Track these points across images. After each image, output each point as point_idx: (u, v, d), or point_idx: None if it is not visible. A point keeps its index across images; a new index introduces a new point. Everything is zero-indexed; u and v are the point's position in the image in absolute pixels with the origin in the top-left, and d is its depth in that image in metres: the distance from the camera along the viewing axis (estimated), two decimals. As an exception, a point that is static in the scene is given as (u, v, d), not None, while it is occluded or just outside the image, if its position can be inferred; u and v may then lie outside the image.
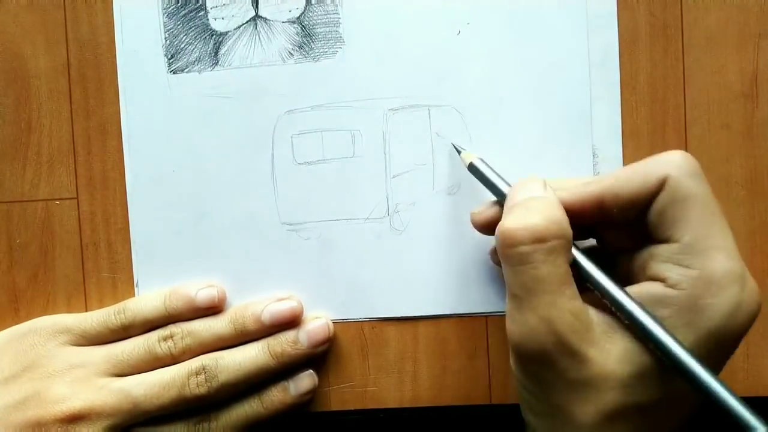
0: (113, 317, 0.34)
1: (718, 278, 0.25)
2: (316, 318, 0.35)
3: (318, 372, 0.36)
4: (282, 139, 0.35)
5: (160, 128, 0.36)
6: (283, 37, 0.35)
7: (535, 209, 0.27)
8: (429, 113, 0.35)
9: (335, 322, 0.36)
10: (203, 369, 0.33)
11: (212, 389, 0.33)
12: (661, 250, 0.26)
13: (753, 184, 0.36)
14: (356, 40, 0.35)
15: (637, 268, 0.28)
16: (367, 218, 0.36)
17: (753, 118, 0.35)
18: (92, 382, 0.33)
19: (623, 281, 0.27)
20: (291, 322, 0.35)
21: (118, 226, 0.37)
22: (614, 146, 0.35)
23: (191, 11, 0.35)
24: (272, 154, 0.36)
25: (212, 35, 0.35)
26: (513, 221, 0.26)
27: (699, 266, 0.25)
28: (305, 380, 0.35)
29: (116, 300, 0.36)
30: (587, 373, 0.25)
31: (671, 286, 0.25)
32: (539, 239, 0.26)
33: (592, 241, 0.32)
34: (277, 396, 0.35)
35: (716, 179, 0.36)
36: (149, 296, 0.35)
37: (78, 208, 0.37)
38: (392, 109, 0.35)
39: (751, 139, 0.36)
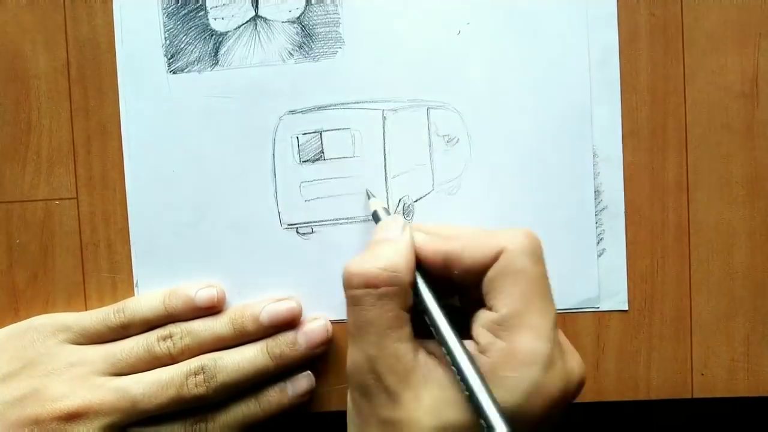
0: (113, 316, 0.34)
1: (521, 355, 0.26)
2: (315, 319, 0.35)
3: (318, 372, 0.36)
4: (282, 139, 0.35)
5: (160, 128, 0.36)
6: (283, 37, 0.35)
7: (379, 255, 0.28)
8: (428, 113, 0.35)
9: (335, 323, 0.36)
10: (202, 369, 0.33)
11: (210, 389, 0.33)
12: (484, 315, 0.27)
13: (753, 184, 0.36)
14: (356, 40, 0.35)
15: (471, 326, 0.29)
16: (368, 218, 0.36)
17: (753, 118, 0.35)
18: (91, 380, 0.33)
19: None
20: (290, 323, 0.35)
21: (118, 226, 0.37)
22: (614, 146, 0.35)
23: (191, 11, 0.35)
24: (272, 154, 0.36)
25: (212, 35, 0.35)
26: (354, 265, 0.28)
27: (507, 339, 0.26)
28: (303, 381, 0.35)
29: (116, 300, 0.36)
30: (397, 415, 0.26)
31: (481, 351, 0.27)
32: (371, 285, 0.27)
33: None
34: (274, 397, 0.35)
35: (716, 179, 0.36)
36: (149, 296, 0.35)
37: (78, 208, 0.37)
38: (392, 109, 0.35)
39: (751, 139, 0.35)
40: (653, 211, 0.36)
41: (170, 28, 0.35)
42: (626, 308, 0.36)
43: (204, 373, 0.33)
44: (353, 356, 0.28)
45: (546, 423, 0.26)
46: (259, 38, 0.35)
